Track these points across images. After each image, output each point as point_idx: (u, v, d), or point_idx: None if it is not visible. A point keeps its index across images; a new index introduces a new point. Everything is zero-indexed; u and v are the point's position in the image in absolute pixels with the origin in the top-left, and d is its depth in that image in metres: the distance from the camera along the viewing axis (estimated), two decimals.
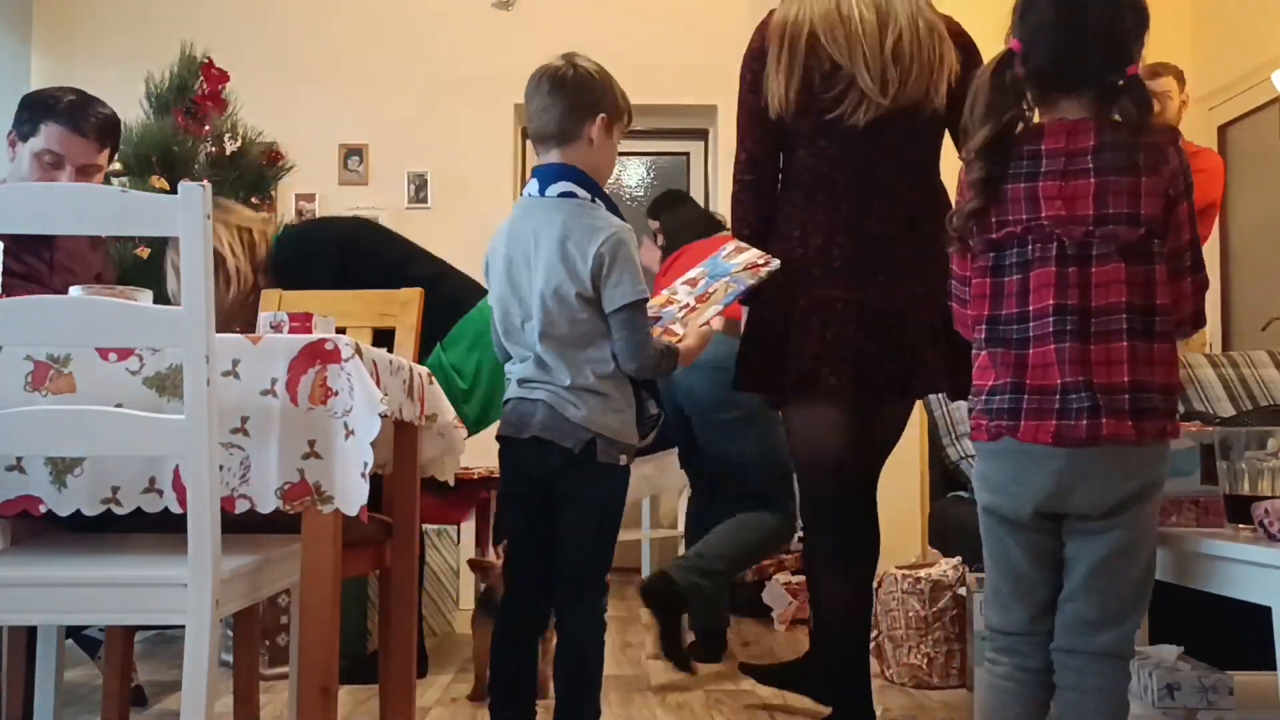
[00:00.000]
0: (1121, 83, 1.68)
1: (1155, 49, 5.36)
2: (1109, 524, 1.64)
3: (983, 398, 1.70)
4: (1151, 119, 1.68)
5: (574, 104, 2.09)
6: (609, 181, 2.21)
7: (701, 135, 5.61)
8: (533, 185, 2.12)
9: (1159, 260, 1.64)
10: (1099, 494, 1.63)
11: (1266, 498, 1.70)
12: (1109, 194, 1.63)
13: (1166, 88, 3.99)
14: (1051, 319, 1.62)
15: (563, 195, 2.08)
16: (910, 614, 3.06)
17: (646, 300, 2.06)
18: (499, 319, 2.15)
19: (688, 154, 5.74)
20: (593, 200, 2.09)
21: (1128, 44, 1.70)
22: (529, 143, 5.59)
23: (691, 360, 2.18)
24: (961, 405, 3.90)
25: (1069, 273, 1.62)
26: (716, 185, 5.45)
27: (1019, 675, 1.71)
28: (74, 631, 2.77)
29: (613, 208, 2.12)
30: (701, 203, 5.68)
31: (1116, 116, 1.69)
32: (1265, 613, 1.55)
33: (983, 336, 1.70)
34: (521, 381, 2.09)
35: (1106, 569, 1.65)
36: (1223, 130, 5.18)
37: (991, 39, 2.02)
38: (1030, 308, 1.64)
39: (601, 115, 2.11)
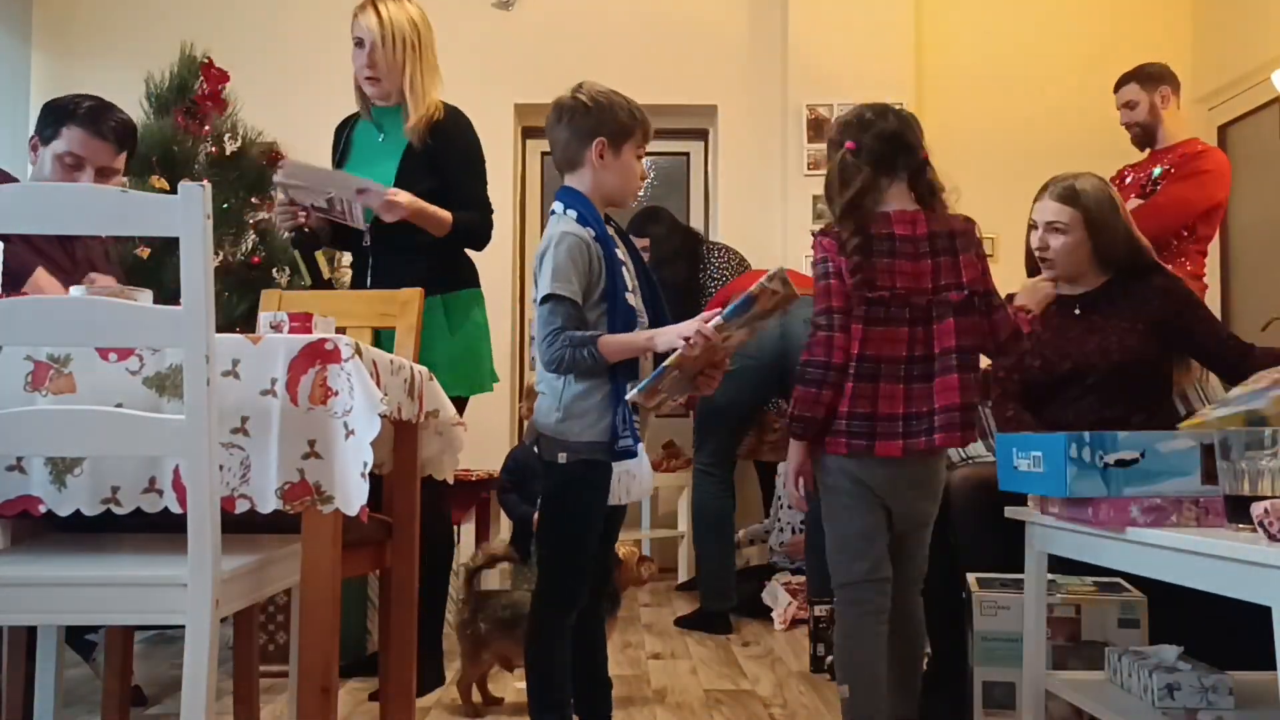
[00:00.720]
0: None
1: (1155, 49, 5.45)
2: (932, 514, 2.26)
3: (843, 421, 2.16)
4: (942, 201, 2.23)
5: (572, 134, 2.22)
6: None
7: (701, 135, 5.61)
8: None
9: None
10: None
11: (1266, 498, 1.70)
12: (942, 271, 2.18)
13: (1127, 97, 4.07)
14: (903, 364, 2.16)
15: (552, 213, 2.24)
16: None
17: (563, 296, 2.10)
18: None
19: (688, 154, 5.74)
20: (565, 211, 2.21)
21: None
22: (528, 142, 5.60)
23: (659, 343, 2.13)
24: None
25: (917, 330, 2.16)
26: (716, 185, 5.45)
27: (876, 617, 2.20)
28: (71, 634, 2.77)
29: (589, 215, 2.18)
30: (701, 202, 5.69)
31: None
32: (1265, 613, 1.54)
33: (852, 371, 2.14)
34: None
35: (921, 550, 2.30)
36: (1223, 130, 5.18)
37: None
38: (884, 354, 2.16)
39: (599, 140, 2.21)
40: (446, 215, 2.92)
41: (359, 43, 3.00)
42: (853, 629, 2.19)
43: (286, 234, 2.98)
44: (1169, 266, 2.99)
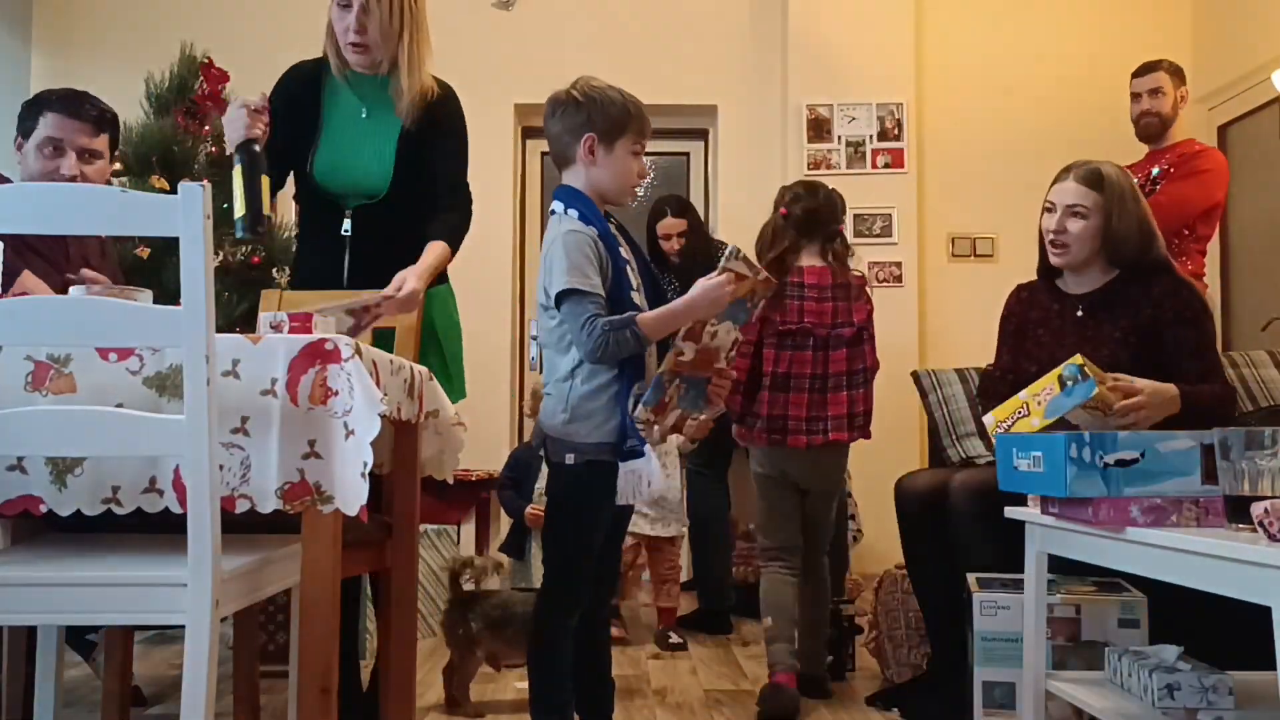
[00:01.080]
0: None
1: (1155, 49, 5.44)
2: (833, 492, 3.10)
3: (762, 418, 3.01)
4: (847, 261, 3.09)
5: (563, 130, 2.20)
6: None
7: (701, 135, 5.60)
8: None
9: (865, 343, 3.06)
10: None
11: (1266, 498, 1.70)
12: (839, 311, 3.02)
13: (1156, 84, 4.05)
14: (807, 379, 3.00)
15: (552, 213, 2.21)
16: (910, 614, 3.06)
17: (583, 291, 2.07)
18: None
19: (688, 154, 5.74)
20: (566, 211, 2.17)
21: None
22: (528, 142, 5.60)
23: (693, 313, 2.12)
24: (963, 406, 3.91)
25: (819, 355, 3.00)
26: (716, 185, 5.45)
27: (789, 573, 2.99)
28: (71, 634, 2.77)
29: (590, 214, 2.15)
30: (702, 202, 5.68)
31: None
32: (1265, 613, 1.54)
33: (768, 383, 2.99)
34: None
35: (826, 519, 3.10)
36: (1223, 130, 5.17)
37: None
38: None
39: (588, 135, 2.17)
40: (445, 251, 2.62)
41: (345, 2, 2.58)
42: (772, 581, 3.00)
43: (232, 150, 2.37)
44: None
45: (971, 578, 2.56)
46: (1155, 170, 4.00)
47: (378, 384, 1.71)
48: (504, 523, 4.75)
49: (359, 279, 2.61)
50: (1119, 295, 2.63)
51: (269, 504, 1.64)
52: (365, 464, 1.63)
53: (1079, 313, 2.66)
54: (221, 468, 1.60)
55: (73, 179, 2.52)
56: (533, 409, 3.90)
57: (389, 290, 2.41)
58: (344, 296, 2.50)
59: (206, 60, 4.35)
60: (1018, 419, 2.27)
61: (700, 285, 2.11)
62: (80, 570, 1.61)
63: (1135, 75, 4.11)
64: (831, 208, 3.07)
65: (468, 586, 2.90)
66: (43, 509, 1.64)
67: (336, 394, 1.65)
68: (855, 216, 4.94)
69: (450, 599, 2.83)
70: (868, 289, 3.09)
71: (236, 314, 3.95)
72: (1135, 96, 4.08)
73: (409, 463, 2.21)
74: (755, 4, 5.37)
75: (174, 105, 4.23)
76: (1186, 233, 3.85)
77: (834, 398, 2.98)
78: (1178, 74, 4.05)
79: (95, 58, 5.11)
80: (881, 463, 3.81)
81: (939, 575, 2.66)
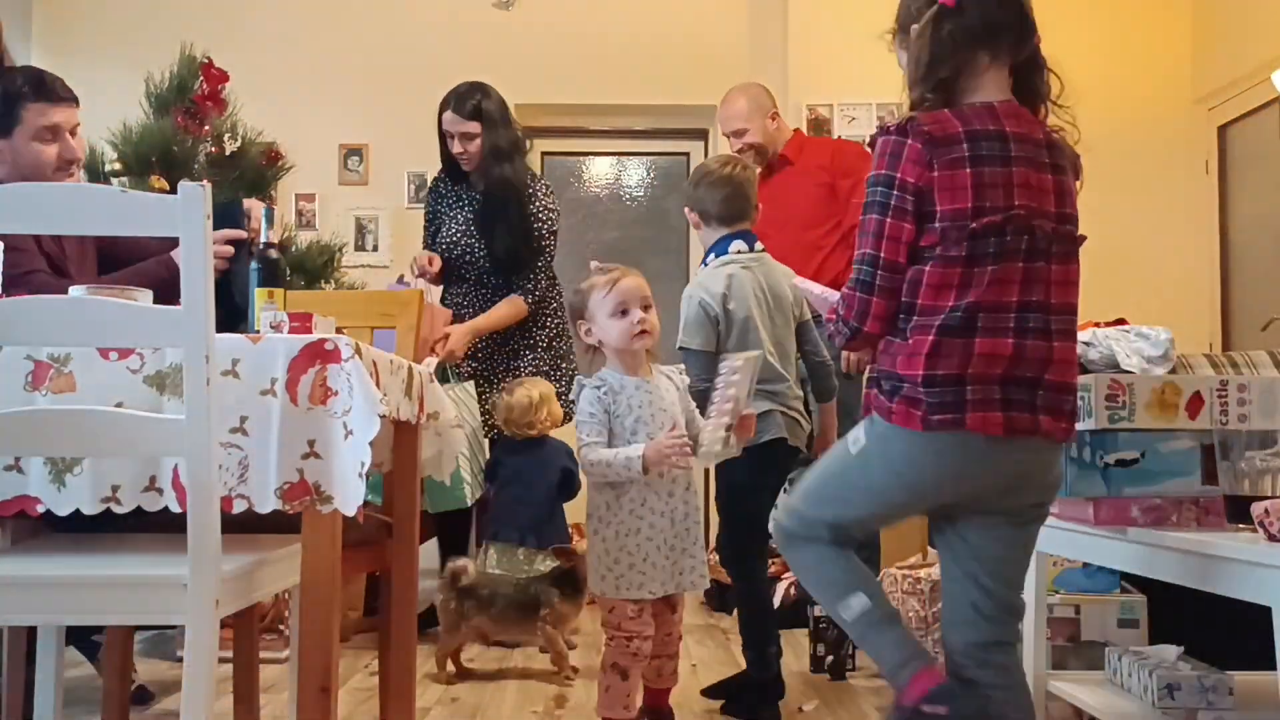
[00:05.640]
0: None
1: (1155, 49, 5.42)
2: (1038, 511, 1.73)
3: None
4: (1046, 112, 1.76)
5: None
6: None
7: (701, 135, 5.60)
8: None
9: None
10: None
11: (1266, 498, 1.70)
12: (1066, 193, 1.67)
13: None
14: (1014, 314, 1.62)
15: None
16: (910, 614, 3.06)
17: (685, 349, 2.65)
18: None
19: (688, 154, 5.74)
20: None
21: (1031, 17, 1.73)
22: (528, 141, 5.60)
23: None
24: None
25: (1037, 268, 1.62)
26: None
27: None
28: (77, 634, 2.77)
29: None
30: None
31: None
32: (1265, 613, 1.55)
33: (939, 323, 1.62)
34: None
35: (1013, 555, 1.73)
36: (1223, 130, 5.18)
37: None
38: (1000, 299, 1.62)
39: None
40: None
41: None
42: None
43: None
44: None
45: None
46: None
47: (378, 384, 1.71)
48: None
49: None
50: None
51: (268, 504, 1.64)
52: (364, 464, 1.62)
53: None
54: (221, 468, 1.59)
55: (78, 159, 2.55)
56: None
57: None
58: (349, 298, 2.54)
59: (206, 60, 4.34)
60: None
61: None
62: (80, 570, 1.61)
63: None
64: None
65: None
66: (40, 509, 1.64)
67: (336, 394, 1.65)
68: None
69: (442, 582, 3.11)
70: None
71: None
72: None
73: (409, 463, 2.21)
74: (755, 4, 5.36)
75: (174, 105, 4.22)
76: None
77: (1062, 349, 1.77)
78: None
79: (95, 58, 5.11)
80: None
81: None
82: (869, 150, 1.90)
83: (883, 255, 1.64)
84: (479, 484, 3.49)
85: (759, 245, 2.82)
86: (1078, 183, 1.71)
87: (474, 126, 3.61)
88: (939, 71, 1.66)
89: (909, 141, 1.63)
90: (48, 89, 2.53)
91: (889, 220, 1.63)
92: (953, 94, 1.67)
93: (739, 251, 2.76)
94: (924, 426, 1.60)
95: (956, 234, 1.60)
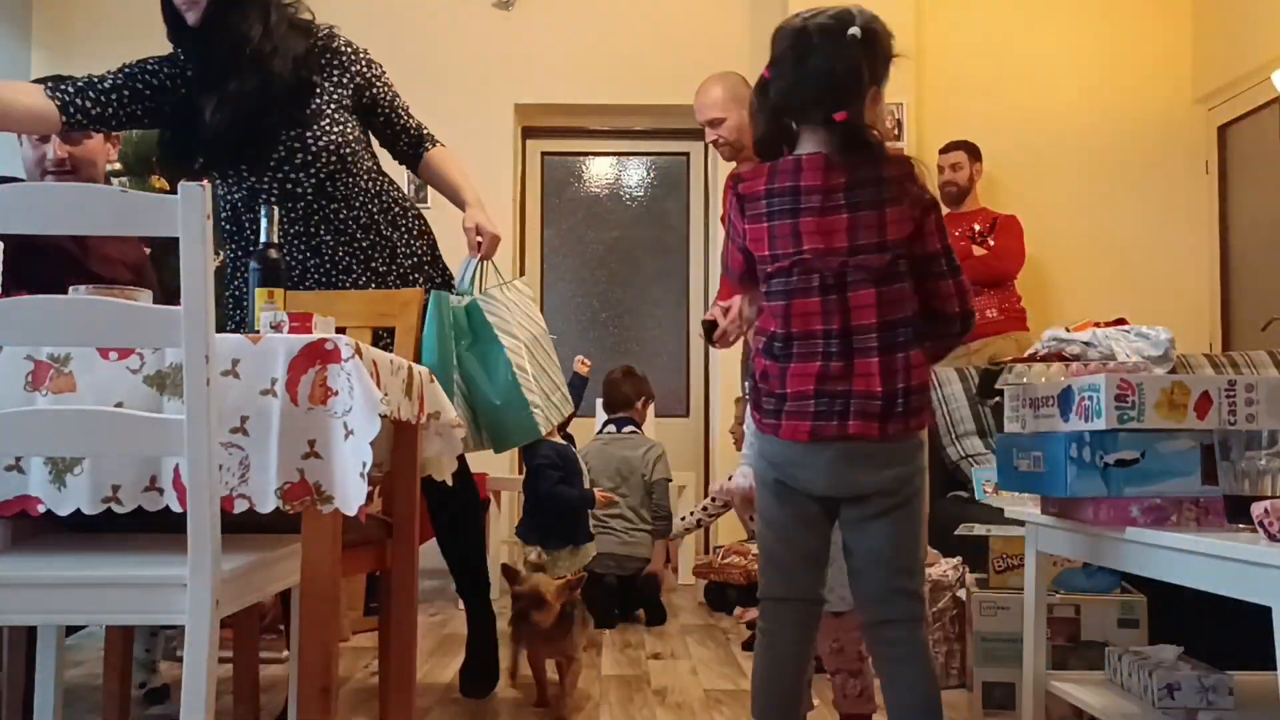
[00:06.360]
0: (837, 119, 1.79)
1: (1155, 49, 5.40)
2: (874, 507, 1.87)
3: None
4: (879, 153, 1.82)
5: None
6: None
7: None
8: None
9: (906, 279, 1.82)
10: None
11: (1266, 498, 1.70)
12: (865, 226, 1.80)
13: (956, 160, 4.90)
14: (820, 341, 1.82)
15: None
16: None
17: None
18: None
19: (688, 154, 5.74)
20: None
21: (844, 87, 1.80)
22: (528, 142, 5.60)
23: None
24: (963, 406, 3.91)
25: (832, 300, 1.82)
26: (716, 185, 5.45)
27: None
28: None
29: None
30: (702, 202, 5.68)
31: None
32: (1265, 613, 1.55)
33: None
34: None
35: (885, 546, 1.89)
36: (1223, 130, 5.18)
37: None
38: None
39: None
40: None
41: None
42: None
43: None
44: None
45: (971, 578, 2.56)
46: (976, 226, 4.80)
47: (378, 384, 1.71)
48: (505, 521, 4.76)
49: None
50: None
51: (268, 504, 1.64)
52: (365, 464, 1.62)
53: None
54: (221, 467, 1.59)
55: (59, 162, 2.55)
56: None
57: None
58: (348, 298, 2.54)
59: None
60: None
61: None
62: (80, 570, 1.61)
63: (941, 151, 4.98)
64: (859, 53, 1.86)
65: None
66: (40, 509, 1.64)
67: (336, 394, 1.65)
68: None
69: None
70: (917, 176, 1.93)
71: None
72: (939, 168, 4.91)
73: (409, 463, 2.21)
74: (755, 4, 5.37)
75: None
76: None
77: (861, 364, 1.99)
78: (975, 153, 4.92)
79: (95, 58, 5.07)
80: None
81: None
82: None
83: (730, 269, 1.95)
84: (554, 404, 2.79)
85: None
86: (927, 201, 1.83)
87: None
88: (758, 132, 1.89)
89: (731, 195, 1.90)
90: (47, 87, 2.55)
91: (730, 246, 1.93)
92: (778, 148, 1.87)
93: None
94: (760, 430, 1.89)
95: (764, 275, 1.86)
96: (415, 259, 2.80)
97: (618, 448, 4.39)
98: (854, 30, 1.78)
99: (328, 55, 2.71)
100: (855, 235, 1.79)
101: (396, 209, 2.77)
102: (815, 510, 1.89)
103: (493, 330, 2.70)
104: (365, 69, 2.77)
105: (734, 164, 3.57)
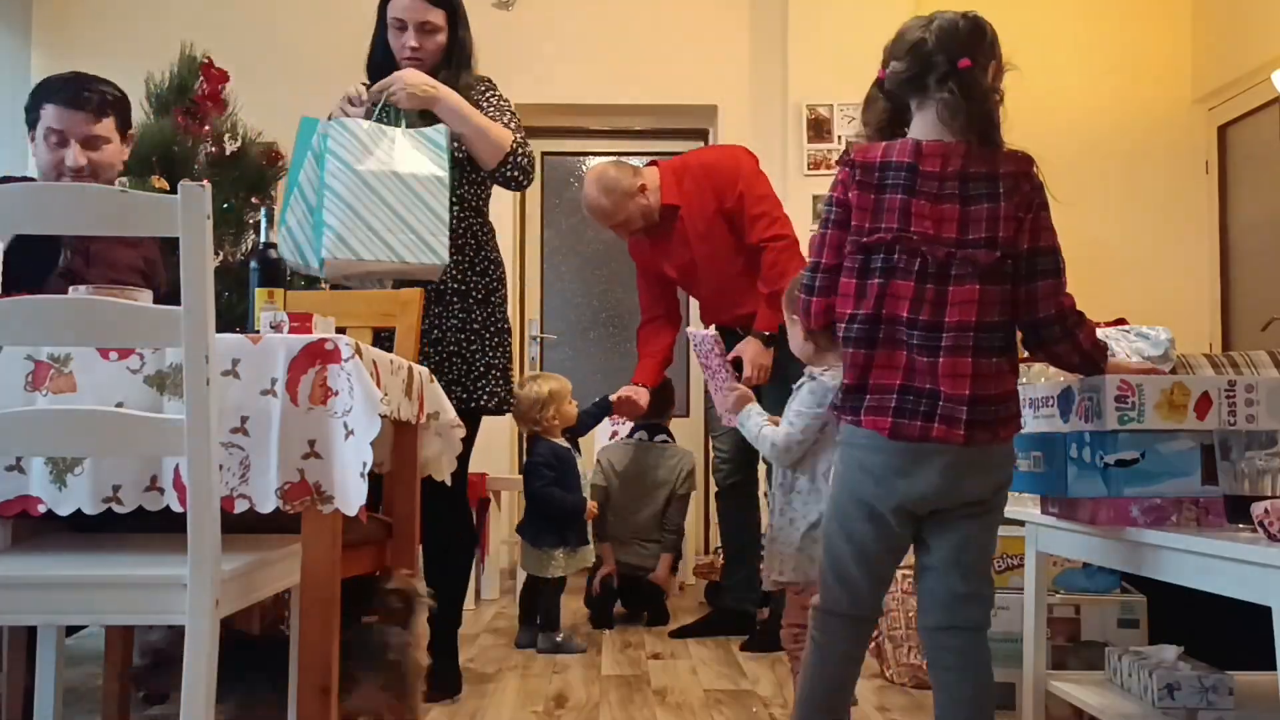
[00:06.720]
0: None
1: (1155, 49, 5.41)
2: (967, 509, 1.83)
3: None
4: (994, 138, 1.86)
5: None
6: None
7: (701, 135, 5.60)
8: None
9: (1009, 281, 1.80)
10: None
11: (1266, 498, 1.70)
12: (976, 221, 1.78)
13: None
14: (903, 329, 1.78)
15: None
16: (910, 614, 3.06)
17: None
18: None
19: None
20: None
21: (969, 39, 1.93)
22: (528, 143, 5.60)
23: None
24: None
25: (926, 289, 1.77)
26: None
27: None
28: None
29: None
30: None
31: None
32: (1265, 613, 1.55)
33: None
34: None
35: (963, 554, 1.84)
36: (1223, 130, 5.18)
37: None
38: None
39: None
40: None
41: None
42: None
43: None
44: None
45: None
46: None
47: (378, 384, 1.71)
48: (505, 522, 4.76)
49: None
50: None
51: (269, 504, 1.64)
52: (365, 464, 1.63)
53: None
54: (221, 468, 1.59)
55: (78, 169, 2.51)
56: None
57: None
58: (349, 298, 2.54)
59: (206, 60, 4.34)
60: None
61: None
62: (80, 570, 1.61)
63: None
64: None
65: None
66: (41, 509, 1.64)
67: (336, 394, 1.65)
68: None
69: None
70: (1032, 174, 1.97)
71: (237, 314, 3.95)
72: None
73: (409, 463, 2.21)
74: (755, 4, 5.36)
75: (174, 105, 4.22)
76: None
77: (948, 364, 1.86)
78: None
79: (95, 58, 5.08)
80: None
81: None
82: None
83: (822, 260, 1.86)
84: (375, 239, 2.59)
85: None
86: (1037, 201, 1.86)
87: (439, 16, 2.96)
88: (876, 113, 1.92)
89: (843, 168, 1.88)
90: (69, 92, 2.53)
91: (829, 232, 1.86)
92: (894, 129, 1.88)
93: None
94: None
95: (856, 247, 1.81)
96: None
97: (649, 456, 4.33)
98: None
99: None
100: (966, 228, 1.77)
101: None
102: (905, 536, 1.84)
103: (327, 156, 2.69)
104: None
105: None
